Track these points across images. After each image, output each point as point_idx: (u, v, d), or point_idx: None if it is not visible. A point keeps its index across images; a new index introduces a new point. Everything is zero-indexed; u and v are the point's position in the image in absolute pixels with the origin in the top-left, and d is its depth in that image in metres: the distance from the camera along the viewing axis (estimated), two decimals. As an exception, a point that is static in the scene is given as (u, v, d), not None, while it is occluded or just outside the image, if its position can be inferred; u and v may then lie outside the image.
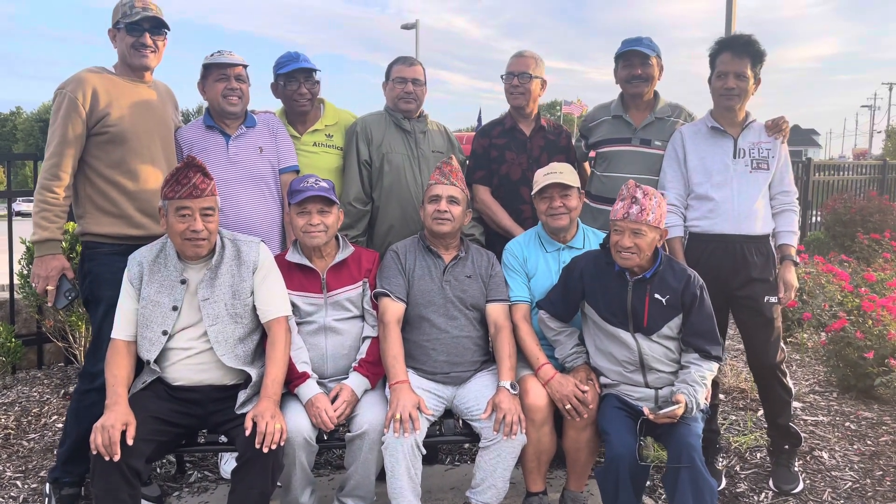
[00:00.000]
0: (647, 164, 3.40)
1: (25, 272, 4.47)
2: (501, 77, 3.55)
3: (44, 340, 4.81)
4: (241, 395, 2.61)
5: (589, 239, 3.08)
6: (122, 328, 2.64)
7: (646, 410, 2.55)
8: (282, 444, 2.43)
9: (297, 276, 2.86)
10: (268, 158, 3.29)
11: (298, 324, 2.83)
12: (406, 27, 26.63)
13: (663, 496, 3.08)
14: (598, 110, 3.61)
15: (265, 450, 2.38)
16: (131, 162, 2.95)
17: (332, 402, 2.67)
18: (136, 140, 2.95)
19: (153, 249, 2.70)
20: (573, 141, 3.73)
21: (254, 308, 2.71)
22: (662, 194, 3.02)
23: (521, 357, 2.90)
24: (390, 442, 2.57)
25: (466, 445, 3.62)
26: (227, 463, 3.36)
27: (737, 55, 3.11)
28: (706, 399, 2.65)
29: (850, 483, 3.28)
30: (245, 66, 3.22)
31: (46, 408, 4.13)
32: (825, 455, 3.58)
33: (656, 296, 2.66)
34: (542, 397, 2.74)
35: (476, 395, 2.80)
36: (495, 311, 2.93)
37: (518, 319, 2.93)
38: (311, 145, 3.47)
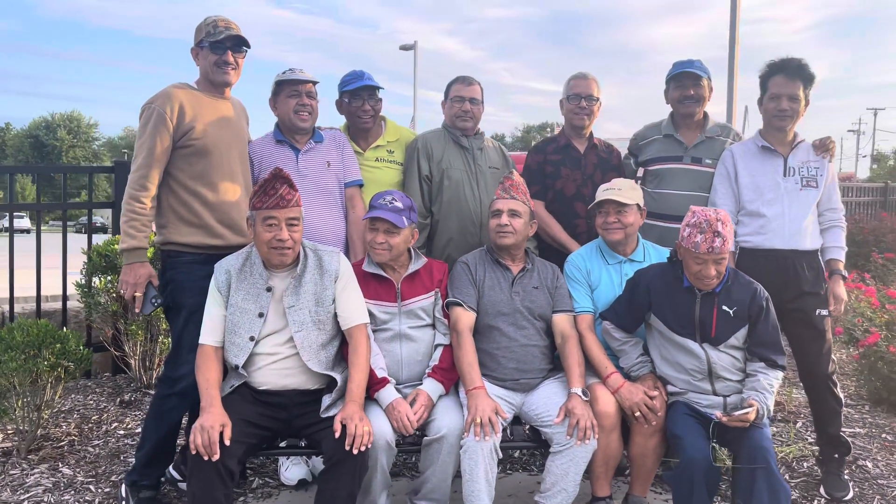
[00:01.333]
0: (699, 182, 3.53)
1: (83, 282, 4.56)
2: (562, 101, 3.69)
3: (95, 350, 4.89)
4: (326, 399, 2.70)
5: (649, 253, 3.20)
6: (210, 334, 2.74)
7: (718, 414, 2.66)
8: (369, 446, 2.53)
9: (372, 286, 2.97)
10: (335, 173, 3.41)
11: (374, 331, 2.93)
12: (405, 48, 27.05)
13: (729, 500, 3.17)
14: (648, 129, 3.75)
15: (355, 451, 2.47)
16: (212, 174, 3.06)
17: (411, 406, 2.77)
18: (218, 153, 3.07)
19: (239, 258, 2.81)
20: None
21: (335, 315, 2.81)
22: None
23: (587, 366, 3.00)
24: (470, 445, 2.66)
25: (517, 454, 3.71)
26: (289, 470, 3.44)
27: (790, 78, 3.25)
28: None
29: (897, 491, 3.38)
30: (315, 83, 3.34)
31: (105, 415, 4.21)
32: (869, 464, 3.69)
33: (724, 307, 2.77)
34: (611, 404, 2.84)
35: (546, 401, 2.90)
36: (561, 321, 3.04)
37: (584, 329, 3.04)
38: (374, 160, 3.59)
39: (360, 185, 3.49)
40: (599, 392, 2.88)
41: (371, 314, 2.92)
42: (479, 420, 2.67)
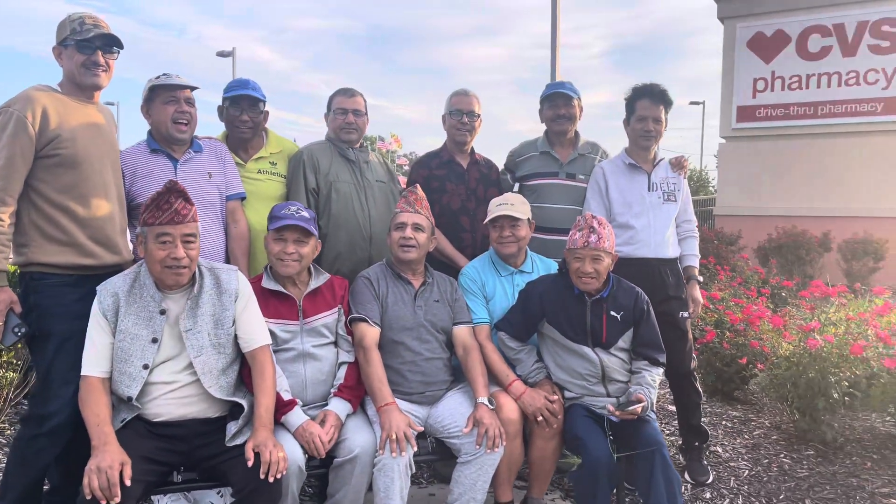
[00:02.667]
0: (573, 196, 3.76)
1: None
2: (444, 117, 3.76)
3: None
4: (232, 427, 2.53)
5: (536, 264, 3.36)
6: (95, 364, 2.46)
7: (610, 408, 2.83)
8: (285, 472, 2.41)
9: (273, 304, 2.84)
10: (216, 185, 3.21)
11: (275, 351, 2.80)
12: (222, 55, 26.30)
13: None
14: (524, 146, 3.93)
15: (270, 479, 2.35)
16: (83, 187, 2.75)
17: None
18: (88, 164, 2.77)
19: (127, 279, 2.56)
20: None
21: (235, 338, 2.65)
22: None
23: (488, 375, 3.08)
24: (386, 462, 2.62)
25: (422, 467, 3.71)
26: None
27: (654, 102, 3.57)
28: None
29: (746, 471, 3.81)
30: (194, 89, 3.14)
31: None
32: (720, 449, 4.12)
33: (612, 313, 2.98)
34: (515, 411, 2.94)
35: (452, 412, 2.93)
36: (462, 333, 3.09)
37: (483, 340, 3.12)
38: (256, 172, 3.44)
39: (243, 198, 3.32)
40: (503, 400, 2.96)
41: (271, 333, 2.78)
42: (394, 436, 2.64)
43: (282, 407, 2.67)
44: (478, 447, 2.79)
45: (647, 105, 3.58)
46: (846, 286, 5.29)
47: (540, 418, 2.91)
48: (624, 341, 3.01)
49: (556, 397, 2.97)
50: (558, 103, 3.76)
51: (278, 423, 2.66)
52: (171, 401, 2.52)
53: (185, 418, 2.54)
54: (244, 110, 3.36)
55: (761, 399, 5.04)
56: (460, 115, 3.69)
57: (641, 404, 2.82)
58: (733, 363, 4.95)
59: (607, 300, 2.99)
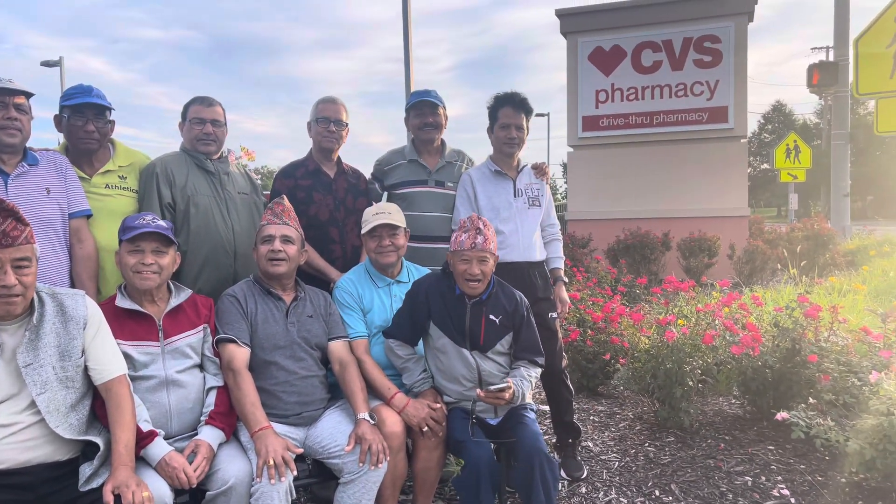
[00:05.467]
0: (442, 204, 3.76)
1: None
2: (310, 124, 3.63)
3: None
4: (86, 469, 2.27)
5: (412, 273, 3.32)
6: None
7: (478, 392, 2.83)
8: (152, 514, 2.19)
9: (128, 325, 2.59)
10: (56, 201, 2.90)
11: (133, 379, 2.55)
12: (48, 64, 24.53)
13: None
14: (392, 155, 3.88)
15: (135, 523, 2.12)
16: None
17: (190, 461, 2.46)
18: None
19: (-49, 311, 2.22)
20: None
21: (85, 369, 2.38)
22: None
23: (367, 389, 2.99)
24: (264, 490, 2.46)
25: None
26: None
27: (516, 110, 3.66)
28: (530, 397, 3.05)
29: (616, 463, 3.97)
30: (29, 96, 2.82)
31: None
32: (590, 444, 4.27)
33: (491, 316, 2.99)
34: (398, 424, 2.87)
35: (331, 431, 2.81)
36: (338, 348, 2.98)
37: (361, 354, 3.03)
38: (103, 187, 3.14)
39: (89, 216, 3.01)
40: (385, 413, 2.88)
41: (128, 358, 2.53)
42: (271, 461, 2.49)
43: (141, 440, 2.43)
44: (361, 465, 2.69)
45: (509, 113, 3.65)
46: (694, 280, 5.69)
47: (425, 428, 2.86)
48: (502, 345, 3.03)
49: (439, 405, 2.93)
50: (425, 111, 3.75)
51: (138, 457, 2.42)
52: (12, 445, 2.21)
53: (30, 464, 2.24)
54: (90, 119, 3.06)
55: (623, 392, 5.31)
56: (327, 123, 3.58)
57: (507, 386, 2.83)
58: (597, 359, 5.18)
59: (487, 303, 3.00)
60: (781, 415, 3.47)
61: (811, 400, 3.69)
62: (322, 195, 3.60)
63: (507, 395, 2.83)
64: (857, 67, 5.69)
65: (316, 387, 2.91)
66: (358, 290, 3.16)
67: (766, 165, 52.33)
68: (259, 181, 3.81)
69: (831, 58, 15.69)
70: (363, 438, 2.71)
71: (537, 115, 36.36)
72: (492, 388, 2.82)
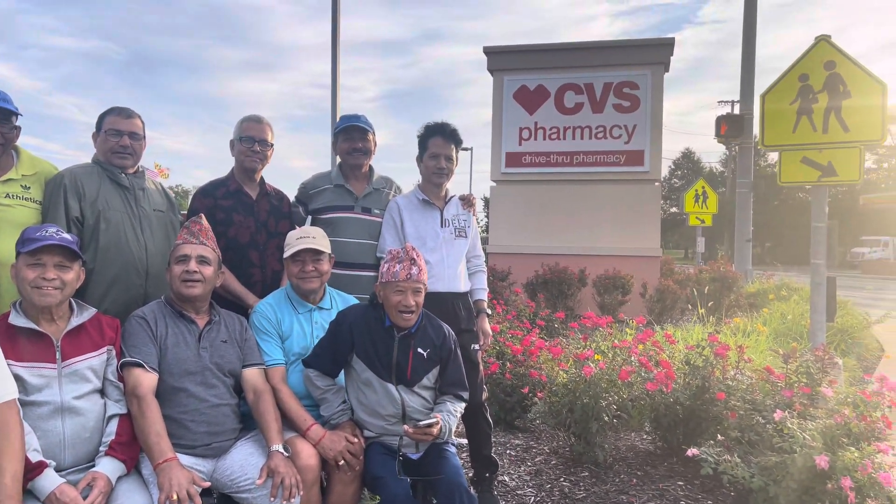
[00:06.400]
0: (368, 231, 3.70)
1: None
2: (233, 142, 3.52)
3: None
4: (-36, 505, 2.06)
5: (335, 300, 3.23)
6: None
7: (406, 428, 2.77)
8: (38, 554, 2.00)
9: (22, 344, 2.40)
10: (-54, 211, 2.67)
11: (24, 404, 2.34)
12: None
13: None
14: (318, 179, 3.81)
15: (19, 565, 1.93)
16: None
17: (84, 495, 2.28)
18: None
19: None
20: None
21: (-31, 394, 2.18)
22: (382, 257, 3.38)
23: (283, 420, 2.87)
24: (166, 528, 2.30)
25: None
26: None
27: (446, 140, 3.66)
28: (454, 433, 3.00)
29: (532, 498, 3.96)
30: None
31: None
32: (507, 478, 4.25)
33: (419, 350, 2.93)
34: (313, 457, 2.76)
35: (241, 463, 2.68)
36: (253, 375, 2.86)
37: (277, 382, 2.91)
38: (4, 197, 2.93)
39: (-15, 227, 2.79)
40: (300, 446, 2.77)
41: (19, 380, 2.33)
42: (174, 496, 2.33)
43: (29, 471, 2.23)
44: (272, 500, 2.56)
45: (439, 143, 3.66)
46: (612, 317, 5.82)
47: (342, 462, 2.76)
48: (428, 379, 2.97)
49: (357, 439, 2.84)
50: (354, 136, 3.70)
51: (26, 490, 2.22)
52: None
53: None
54: None
55: (540, 426, 5.33)
56: (252, 142, 3.48)
57: (435, 421, 2.78)
58: (515, 393, 5.19)
59: (416, 336, 2.94)
60: (692, 451, 3.56)
61: (719, 437, 3.80)
62: (243, 216, 3.48)
63: (434, 431, 2.78)
64: (763, 121, 6.01)
65: (227, 416, 2.77)
66: (277, 316, 3.05)
67: (674, 209, 54.87)
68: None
69: (737, 111, 16.66)
70: (275, 471, 2.59)
71: (462, 149, 36.93)
72: (421, 423, 2.76)
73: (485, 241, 15.23)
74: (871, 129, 5.55)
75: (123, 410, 2.56)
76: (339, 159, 3.83)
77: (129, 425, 2.53)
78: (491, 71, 13.42)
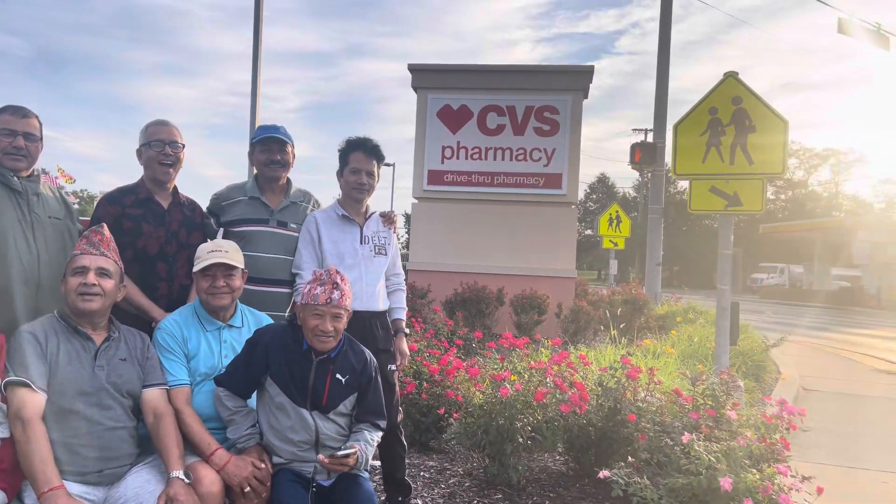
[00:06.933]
0: (284, 245, 3.59)
1: None
2: (141, 149, 3.34)
3: None
4: None
5: (247, 317, 3.10)
6: None
7: (321, 457, 2.66)
8: None
9: None
10: None
11: None
12: None
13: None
14: (231, 190, 3.66)
15: None
16: None
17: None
18: None
19: None
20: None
21: None
22: (298, 273, 3.29)
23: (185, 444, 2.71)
24: (48, 564, 2.11)
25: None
26: None
27: (368, 156, 3.60)
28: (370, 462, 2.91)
29: (445, 521, 3.90)
30: None
31: None
32: (419, 502, 4.17)
33: (337, 375, 2.82)
34: (216, 483, 2.62)
35: (137, 491, 2.51)
36: (154, 396, 2.69)
37: (180, 404, 2.75)
38: None
39: None
40: (203, 472, 2.62)
41: None
42: (60, 529, 2.15)
43: None
44: (170, 531, 2.41)
45: (360, 158, 3.59)
46: (528, 337, 5.87)
47: (247, 489, 2.63)
48: (345, 406, 2.87)
49: (263, 465, 2.71)
50: (272, 148, 3.59)
51: None
52: None
53: None
54: None
55: (455, 447, 5.28)
56: (161, 146, 3.31)
57: (353, 452, 2.69)
58: (430, 413, 5.13)
59: (335, 361, 2.82)
60: (604, 473, 3.59)
61: (629, 458, 3.86)
62: (153, 227, 3.30)
63: (350, 462, 2.68)
64: (675, 151, 6.26)
65: (124, 440, 2.59)
66: (183, 333, 2.89)
67: (589, 231, 56.55)
68: (77, 206, 3.43)
69: (650, 139, 17.36)
70: (175, 499, 2.43)
71: (384, 164, 36.82)
72: (338, 454, 2.66)
73: (405, 258, 15.19)
74: (773, 163, 5.86)
75: (5, 434, 2.35)
76: (255, 170, 3.71)
77: (11, 450, 2.33)
78: (415, 88, 13.45)
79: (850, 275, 38.23)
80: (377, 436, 2.92)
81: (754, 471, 3.33)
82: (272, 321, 3.19)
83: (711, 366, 6.54)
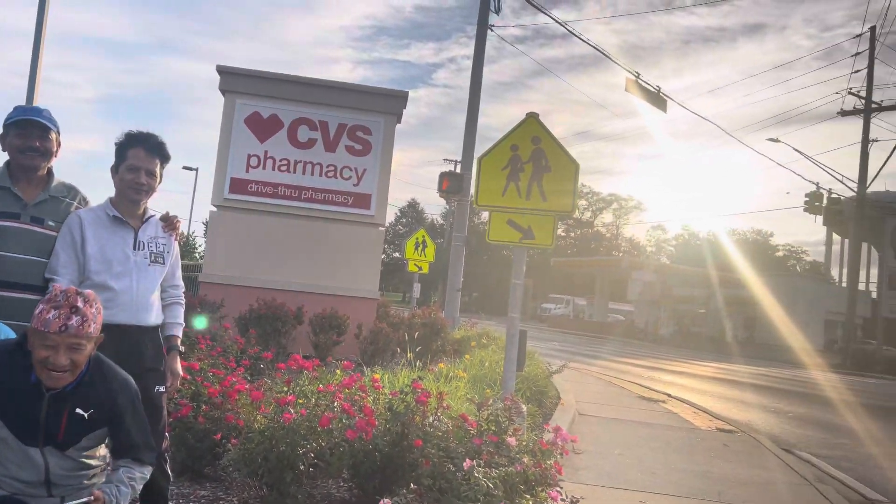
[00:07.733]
0: (38, 246, 3.11)
1: None
2: None
3: None
4: None
5: (-25, 327, 2.61)
6: None
7: None
8: None
9: None
10: None
11: None
12: None
13: None
14: (-25, 178, 3.12)
15: None
16: None
17: None
18: None
19: None
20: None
21: None
22: (52, 279, 2.89)
23: None
24: None
25: None
26: None
27: (150, 153, 3.24)
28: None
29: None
30: None
31: None
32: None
33: (78, 410, 2.43)
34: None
35: None
36: None
37: None
38: None
39: None
40: None
41: None
42: None
43: None
44: None
45: (141, 155, 3.23)
46: (319, 359, 5.67)
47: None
48: (89, 440, 2.47)
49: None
50: (32, 133, 3.12)
51: None
52: None
53: None
54: None
55: (232, 475, 4.92)
56: None
57: (92, 499, 2.33)
58: (207, 438, 4.73)
59: (73, 395, 2.42)
60: (385, 501, 3.50)
61: (412, 485, 3.81)
62: None
63: None
64: (478, 182, 6.48)
65: None
66: None
67: (396, 254, 57.46)
68: None
69: (458, 170, 18.03)
70: None
71: (185, 167, 34.70)
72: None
73: (196, 269, 14.29)
74: (564, 201, 6.25)
75: None
76: (7, 157, 3.19)
77: None
78: (223, 91, 12.78)
79: (624, 309, 42.45)
80: (145, 471, 2.56)
81: (528, 496, 3.43)
82: (13, 334, 2.72)
83: (500, 390, 6.77)
